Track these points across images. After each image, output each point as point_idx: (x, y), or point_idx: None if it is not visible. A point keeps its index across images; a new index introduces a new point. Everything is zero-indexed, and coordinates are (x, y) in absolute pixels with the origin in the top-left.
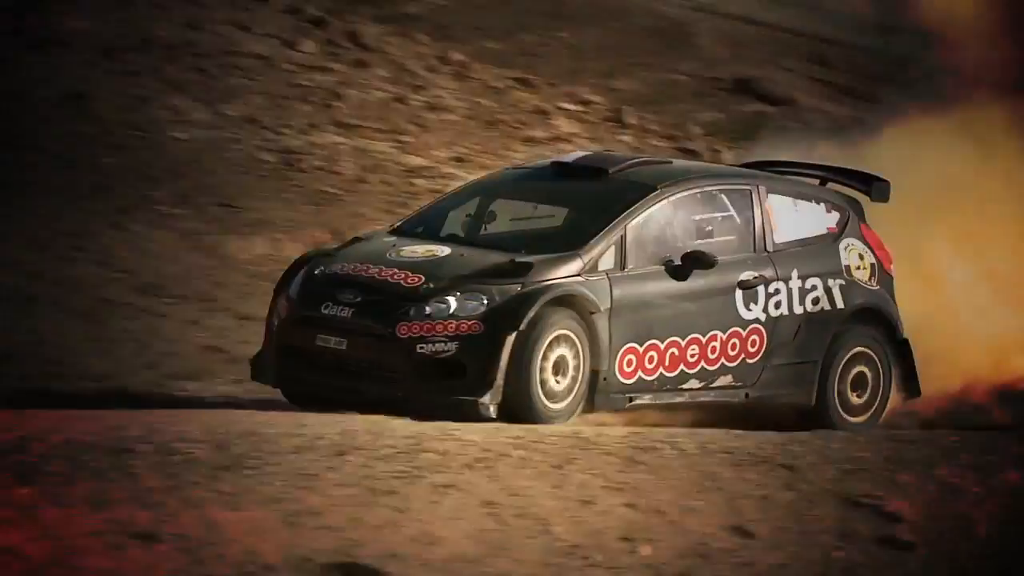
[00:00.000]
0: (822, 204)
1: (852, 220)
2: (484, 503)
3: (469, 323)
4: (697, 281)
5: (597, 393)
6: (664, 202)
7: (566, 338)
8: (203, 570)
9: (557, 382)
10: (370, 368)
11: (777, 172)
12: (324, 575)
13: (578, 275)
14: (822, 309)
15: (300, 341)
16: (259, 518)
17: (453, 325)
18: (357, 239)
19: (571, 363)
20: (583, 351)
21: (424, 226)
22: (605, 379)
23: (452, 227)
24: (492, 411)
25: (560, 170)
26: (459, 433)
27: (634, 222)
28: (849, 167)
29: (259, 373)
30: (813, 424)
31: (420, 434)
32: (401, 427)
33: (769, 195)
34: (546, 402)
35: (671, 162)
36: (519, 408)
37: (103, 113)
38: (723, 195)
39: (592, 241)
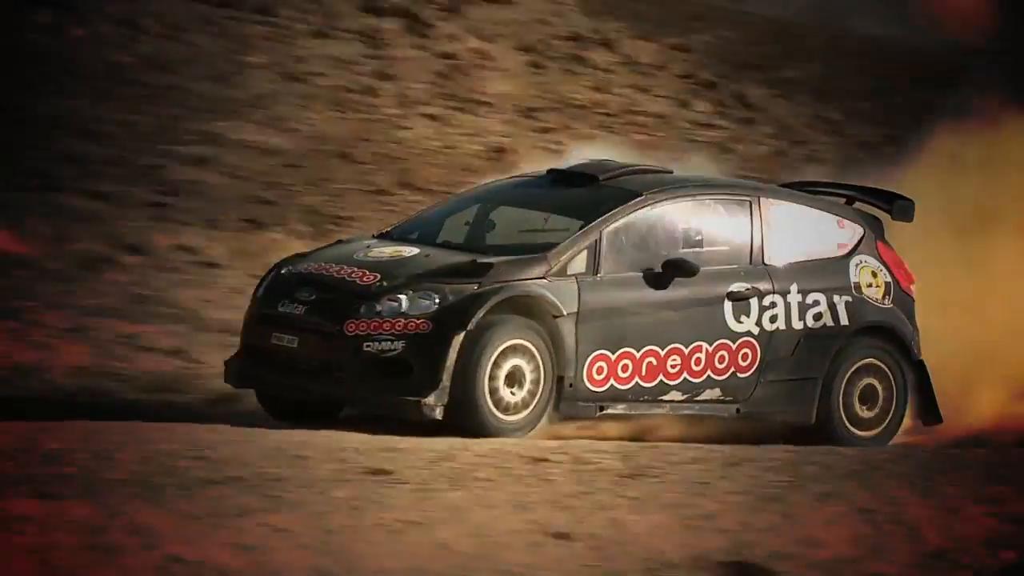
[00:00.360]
0: (833, 220)
1: (868, 238)
2: (861, 510)
3: (418, 322)
4: (680, 290)
5: (563, 400)
6: (648, 209)
7: (523, 349)
8: (612, 565)
9: (513, 393)
10: (318, 366)
11: (806, 191)
12: (719, 572)
13: (542, 278)
14: (824, 325)
15: (257, 340)
16: (661, 521)
17: (401, 324)
18: (339, 241)
19: (528, 375)
20: (544, 360)
21: (418, 231)
22: (571, 386)
23: (448, 234)
24: (437, 412)
25: (556, 177)
26: (840, 448)
27: (612, 227)
28: (876, 187)
29: (228, 375)
30: (818, 441)
31: (802, 449)
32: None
33: (772, 208)
34: (495, 410)
35: (671, 171)
36: (465, 413)
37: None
38: (719, 205)
39: (563, 244)
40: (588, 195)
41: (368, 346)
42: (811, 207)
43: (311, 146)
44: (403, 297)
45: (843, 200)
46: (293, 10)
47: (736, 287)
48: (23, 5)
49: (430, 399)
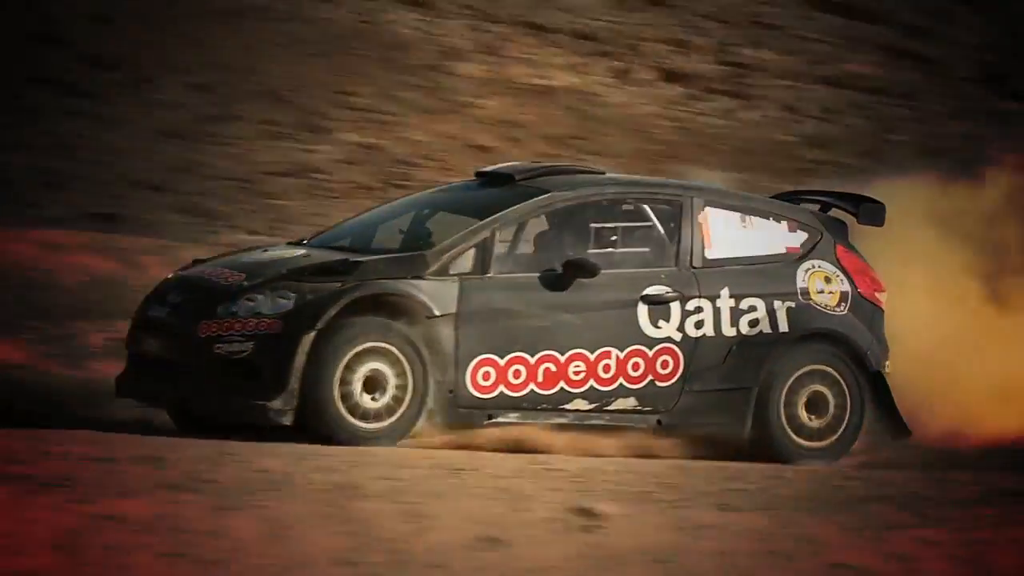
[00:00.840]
0: (784, 223)
1: (825, 242)
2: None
3: (269, 322)
4: (584, 293)
5: (443, 407)
6: (553, 208)
7: (385, 352)
8: None
9: (374, 399)
10: (174, 369)
11: (782, 198)
12: None
13: (419, 277)
14: (760, 332)
15: (131, 344)
16: None
17: (252, 324)
18: (253, 248)
19: (392, 380)
20: (411, 365)
21: (348, 239)
22: (452, 392)
23: (381, 241)
24: (285, 418)
25: (481, 180)
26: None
27: (507, 226)
28: (848, 191)
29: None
30: (760, 455)
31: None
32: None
33: (707, 209)
34: (349, 417)
35: (603, 172)
36: (315, 418)
37: None
38: (644, 206)
39: (445, 243)
40: (498, 196)
41: (218, 347)
42: (753, 210)
43: None
44: (260, 296)
45: (818, 207)
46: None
47: (653, 290)
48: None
49: (276, 403)
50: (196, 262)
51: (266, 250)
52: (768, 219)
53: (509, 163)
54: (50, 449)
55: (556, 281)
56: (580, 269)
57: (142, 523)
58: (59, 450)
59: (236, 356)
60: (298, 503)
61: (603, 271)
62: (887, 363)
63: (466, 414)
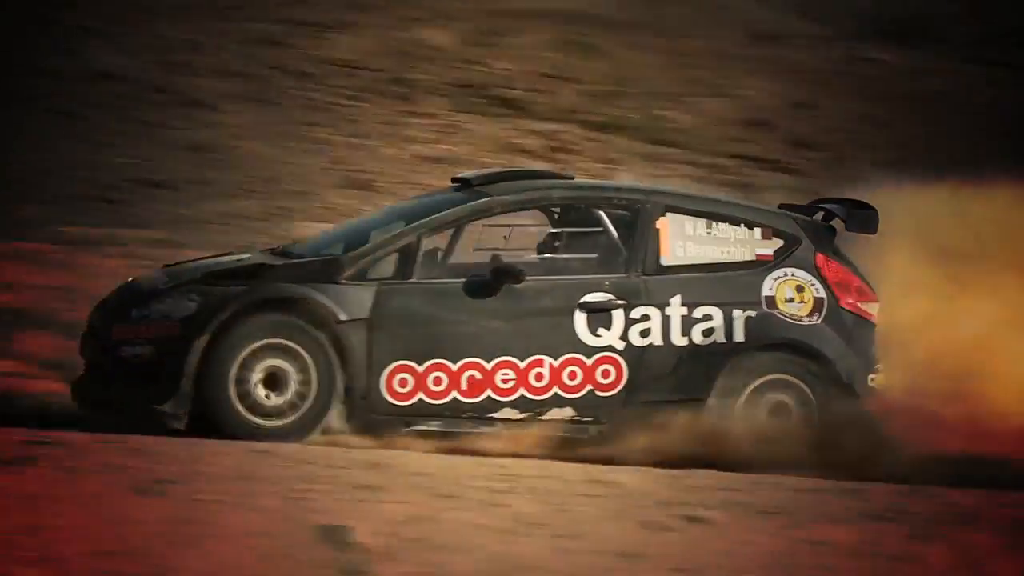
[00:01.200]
0: (757, 230)
1: (802, 251)
2: None
3: (168, 325)
4: (515, 299)
5: (355, 413)
6: (492, 213)
7: (286, 350)
8: None
9: (267, 397)
10: (94, 373)
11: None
12: None
13: (333, 282)
14: (715, 342)
15: (81, 351)
16: None
17: (155, 327)
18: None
19: (294, 377)
20: (316, 365)
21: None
22: (364, 398)
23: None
24: (178, 421)
25: (454, 186)
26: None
27: (436, 231)
28: (845, 197)
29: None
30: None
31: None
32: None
33: (666, 217)
34: (248, 414)
35: (572, 177)
36: (215, 419)
37: None
38: (598, 212)
39: (364, 248)
40: (450, 202)
41: (124, 350)
42: (723, 216)
43: None
44: (169, 300)
45: (822, 215)
46: None
47: (593, 298)
48: None
49: (167, 406)
50: (165, 267)
51: (233, 255)
52: (739, 226)
53: (487, 169)
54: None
55: (483, 287)
56: (506, 275)
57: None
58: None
59: (137, 359)
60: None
61: (541, 277)
62: (872, 377)
63: (383, 421)
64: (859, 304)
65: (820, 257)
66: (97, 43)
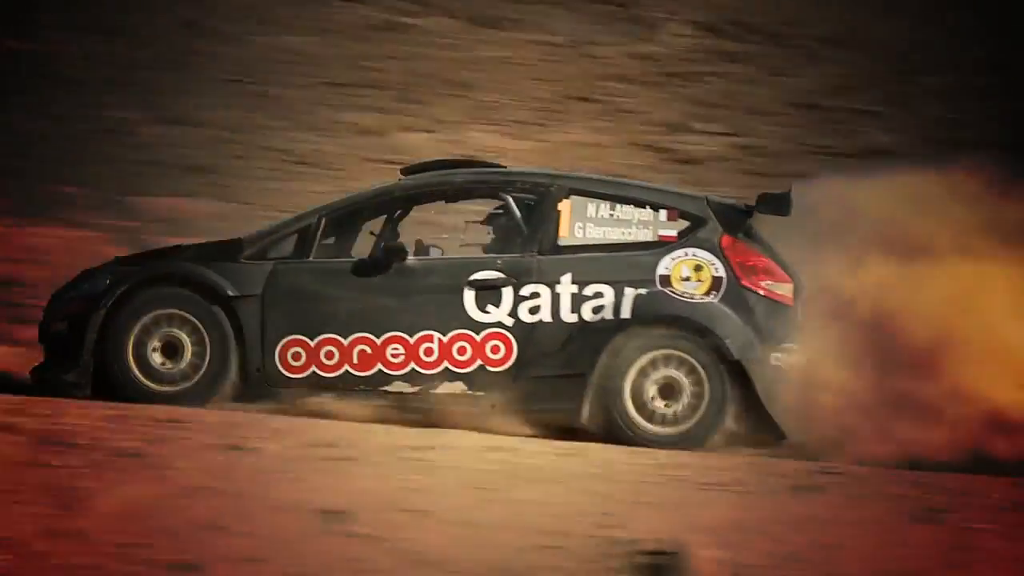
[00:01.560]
0: (661, 212)
1: (707, 231)
2: None
3: (80, 302)
4: (406, 277)
5: (250, 385)
6: (392, 196)
7: (181, 319)
8: None
9: (163, 364)
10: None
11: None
12: None
13: (232, 260)
14: (603, 319)
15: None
16: None
17: (72, 305)
18: None
19: (188, 347)
20: (209, 334)
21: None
22: (259, 370)
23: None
24: (82, 390)
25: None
26: None
27: (335, 213)
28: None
29: None
30: (610, 439)
31: None
32: None
33: (570, 199)
34: (143, 379)
35: (503, 167)
36: (113, 383)
37: None
38: (504, 194)
39: (265, 230)
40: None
41: (51, 327)
42: (628, 199)
43: None
44: (91, 280)
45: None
46: None
47: (482, 276)
48: None
49: (71, 376)
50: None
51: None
52: (644, 208)
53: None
54: None
55: (374, 265)
56: (393, 253)
57: None
58: None
59: (57, 335)
60: None
61: (432, 256)
62: (778, 355)
63: (276, 392)
64: (763, 284)
65: (726, 238)
66: None
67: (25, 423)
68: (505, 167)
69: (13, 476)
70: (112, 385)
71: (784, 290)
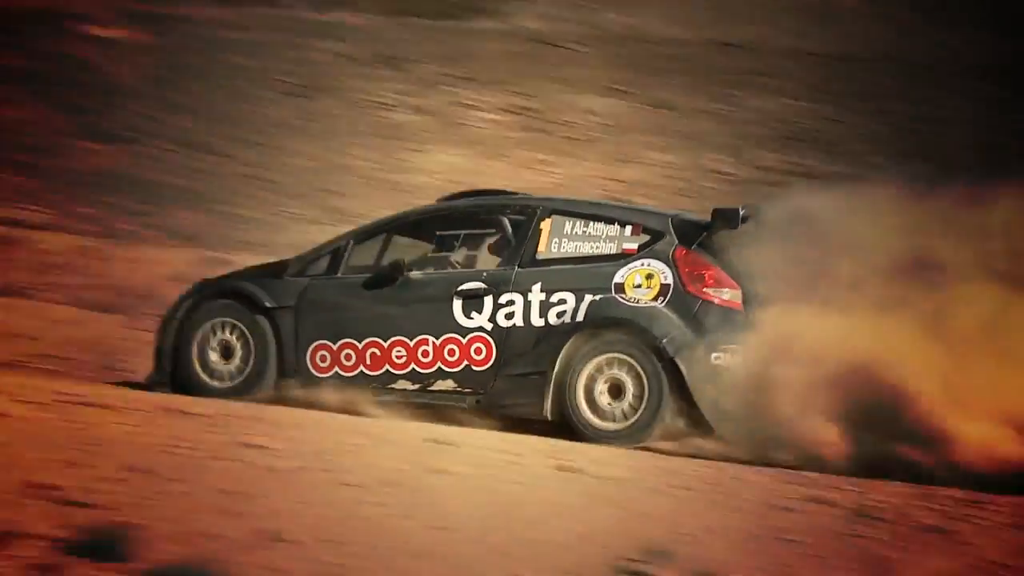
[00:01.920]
0: (627, 227)
1: (664, 243)
2: None
3: (167, 314)
4: (408, 289)
5: (288, 382)
6: (408, 220)
7: (232, 326)
8: None
9: (224, 363)
10: None
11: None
12: None
13: (277, 277)
14: (563, 323)
15: None
16: None
17: (162, 320)
18: None
19: (238, 349)
20: (254, 339)
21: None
22: (295, 370)
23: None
24: (164, 388)
25: None
26: None
27: (362, 237)
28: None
29: None
30: (565, 433)
31: None
32: None
33: (551, 219)
34: (204, 377)
35: (514, 194)
36: (183, 381)
37: None
38: (500, 219)
39: (307, 252)
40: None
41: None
42: (601, 217)
43: None
44: (182, 296)
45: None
46: None
47: (468, 286)
48: None
49: (154, 376)
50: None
51: None
52: (612, 224)
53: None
54: None
55: (382, 279)
56: (395, 269)
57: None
58: None
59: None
60: None
61: (428, 271)
62: (717, 356)
63: (312, 390)
64: (708, 290)
65: (679, 250)
66: None
67: (841, 498)
68: (514, 193)
69: (831, 545)
70: (183, 383)
71: (730, 296)
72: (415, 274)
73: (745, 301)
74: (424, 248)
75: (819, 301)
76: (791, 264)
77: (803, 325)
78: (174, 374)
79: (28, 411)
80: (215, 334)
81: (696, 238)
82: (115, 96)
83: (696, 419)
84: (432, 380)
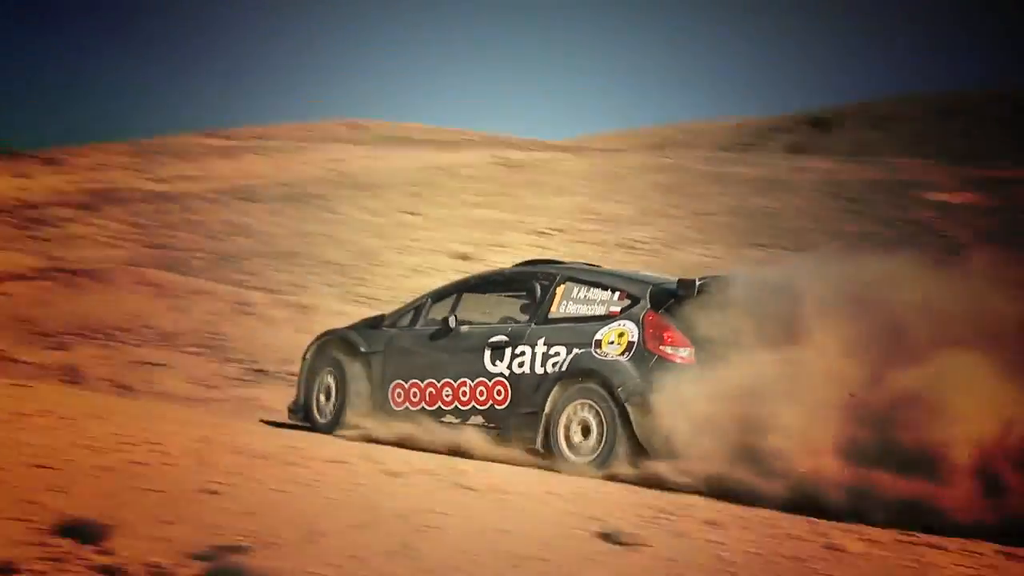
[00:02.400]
0: (616, 293)
1: (639, 307)
2: None
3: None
4: (456, 340)
5: (374, 414)
6: (468, 285)
7: (337, 364)
8: None
9: (325, 401)
10: None
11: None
12: None
13: (376, 327)
14: (555, 371)
15: None
16: None
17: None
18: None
19: (334, 388)
20: (347, 379)
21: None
22: (380, 403)
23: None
24: (297, 418)
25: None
26: None
27: (438, 297)
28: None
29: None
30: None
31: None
32: None
33: (566, 285)
34: (317, 416)
35: (560, 263)
36: (310, 419)
37: None
38: (531, 283)
39: (399, 308)
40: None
41: None
42: (600, 284)
43: None
44: None
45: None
46: None
47: (495, 339)
48: None
49: (290, 405)
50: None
51: None
52: (607, 290)
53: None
54: None
55: (439, 332)
56: (445, 324)
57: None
58: None
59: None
60: None
61: (471, 325)
62: (661, 401)
63: (392, 419)
64: (664, 348)
65: (648, 313)
66: None
67: (691, 513)
68: (561, 262)
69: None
70: (306, 417)
71: (684, 353)
72: (463, 328)
73: (696, 357)
74: (484, 305)
75: (751, 358)
76: (736, 326)
77: (732, 377)
78: (305, 409)
79: None
80: (327, 374)
81: (663, 303)
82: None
83: (639, 451)
84: (469, 416)
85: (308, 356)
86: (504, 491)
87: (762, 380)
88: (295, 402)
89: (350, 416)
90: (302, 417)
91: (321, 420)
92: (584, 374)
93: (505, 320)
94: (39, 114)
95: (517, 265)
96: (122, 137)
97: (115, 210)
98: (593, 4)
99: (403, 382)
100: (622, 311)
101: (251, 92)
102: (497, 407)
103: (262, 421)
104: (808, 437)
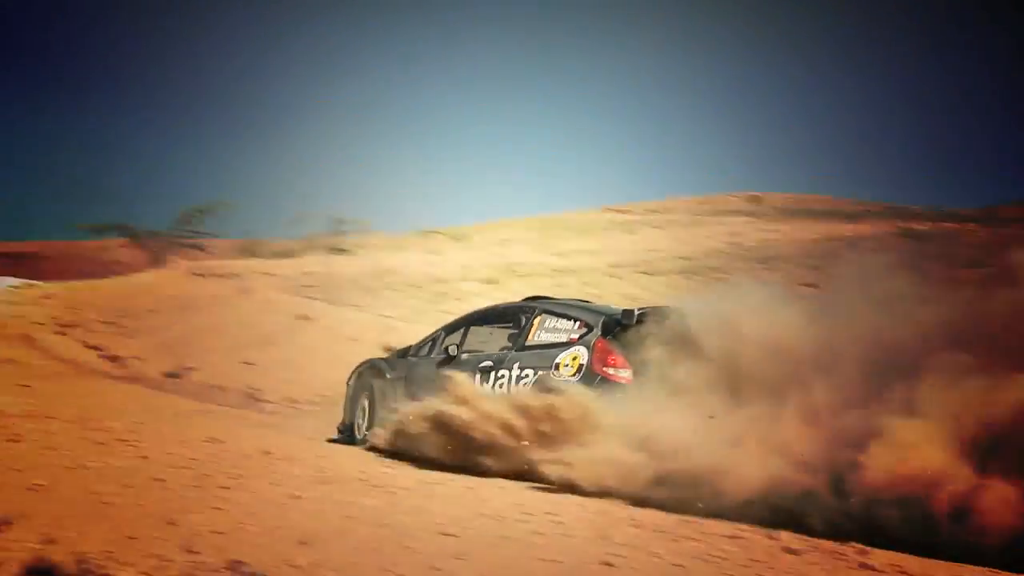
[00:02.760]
0: (577, 323)
1: (592, 334)
2: None
3: None
4: (456, 365)
5: (398, 429)
6: (471, 319)
7: (370, 388)
8: None
9: (362, 420)
10: None
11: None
12: None
13: (404, 356)
14: (524, 390)
15: None
16: None
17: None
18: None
19: (367, 407)
20: (377, 399)
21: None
22: (400, 420)
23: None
24: (342, 437)
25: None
26: None
27: (449, 328)
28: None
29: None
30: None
31: None
32: None
33: (542, 316)
34: (356, 432)
35: (549, 298)
36: (349, 429)
37: None
38: (518, 316)
39: (420, 340)
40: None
41: None
42: (567, 316)
43: None
44: None
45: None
46: None
47: (483, 364)
48: None
49: (339, 426)
50: None
51: None
52: (571, 320)
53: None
54: None
55: (444, 360)
56: (447, 352)
57: None
58: None
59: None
60: None
61: (469, 353)
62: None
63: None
64: (607, 369)
65: (598, 340)
66: None
67: (614, 512)
68: (542, 298)
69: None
70: (346, 431)
71: (624, 374)
72: (463, 356)
73: (634, 378)
74: (485, 335)
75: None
76: (668, 351)
77: (660, 395)
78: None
79: None
80: (363, 397)
81: (611, 331)
82: None
83: None
84: None
85: (351, 382)
86: None
87: (684, 397)
88: (342, 422)
89: (376, 432)
90: (347, 436)
91: (358, 437)
92: (545, 392)
93: (502, 348)
94: (446, 197)
95: (528, 299)
96: (528, 213)
97: (517, 283)
98: None
99: (415, 402)
100: (580, 338)
101: (649, 168)
102: None
103: None
104: (719, 453)
